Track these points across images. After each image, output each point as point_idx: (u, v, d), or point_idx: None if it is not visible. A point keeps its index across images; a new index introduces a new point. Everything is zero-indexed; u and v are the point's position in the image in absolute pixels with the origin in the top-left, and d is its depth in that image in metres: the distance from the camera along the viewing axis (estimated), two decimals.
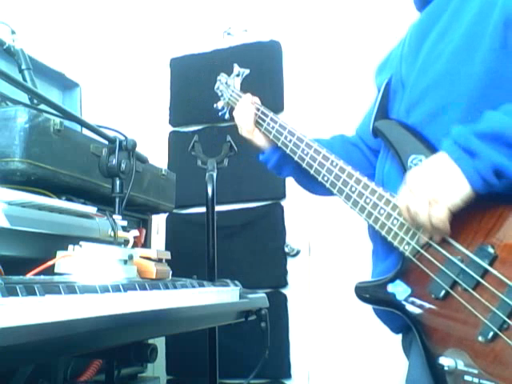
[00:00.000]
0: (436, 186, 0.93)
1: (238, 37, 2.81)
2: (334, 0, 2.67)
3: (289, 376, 2.54)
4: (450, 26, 1.06)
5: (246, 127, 1.40)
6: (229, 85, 1.54)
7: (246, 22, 2.82)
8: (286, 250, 2.61)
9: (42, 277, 0.88)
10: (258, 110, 1.39)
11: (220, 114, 1.59)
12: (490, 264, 0.91)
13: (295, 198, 2.60)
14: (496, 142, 0.89)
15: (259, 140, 1.40)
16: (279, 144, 1.31)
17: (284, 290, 2.59)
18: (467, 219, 0.94)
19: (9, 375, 1.16)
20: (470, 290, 0.93)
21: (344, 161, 1.18)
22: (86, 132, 1.39)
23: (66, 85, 2.10)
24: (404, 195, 0.99)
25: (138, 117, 2.87)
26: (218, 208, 1.89)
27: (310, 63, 2.69)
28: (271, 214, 2.66)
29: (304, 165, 1.24)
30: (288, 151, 1.29)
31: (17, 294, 0.70)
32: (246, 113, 1.41)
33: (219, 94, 1.57)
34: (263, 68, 2.69)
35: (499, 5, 0.98)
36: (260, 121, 1.38)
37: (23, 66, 1.59)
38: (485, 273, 0.91)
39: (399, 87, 1.16)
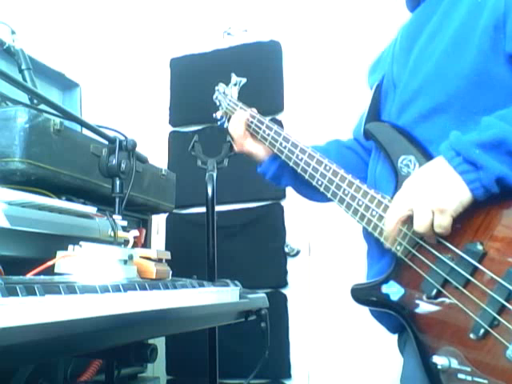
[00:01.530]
0: (439, 195, 0.93)
1: (238, 37, 2.81)
2: (334, 0, 2.67)
3: (289, 376, 2.54)
4: (440, 28, 1.07)
5: (239, 141, 1.42)
6: (226, 94, 1.55)
7: (245, 22, 2.82)
8: (286, 250, 2.61)
9: (42, 277, 0.88)
10: (254, 117, 1.41)
11: (219, 123, 1.61)
12: (479, 261, 0.91)
13: (295, 198, 2.58)
14: (497, 151, 0.89)
15: (255, 149, 1.41)
16: (275, 150, 1.33)
17: (284, 290, 2.60)
18: (457, 218, 0.94)
19: (9, 375, 1.16)
20: (461, 287, 0.93)
21: (339, 165, 1.19)
22: (86, 132, 1.39)
23: (66, 85, 2.10)
24: (401, 203, 0.98)
25: (138, 117, 2.87)
26: (217, 208, 1.89)
27: (310, 63, 2.69)
28: (271, 214, 2.66)
29: (299, 170, 1.26)
30: (283, 157, 1.31)
31: (17, 294, 0.70)
32: (237, 126, 1.42)
33: (217, 103, 1.59)
34: (263, 68, 2.70)
35: (488, 7, 0.98)
36: (256, 128, 1.39)
37: (23, 66, 1.59)
38: (474, 270, 0.92)
39: (391, 88, 1.17)
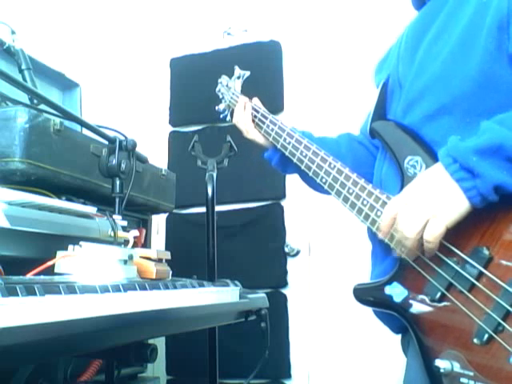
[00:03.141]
0: (434, 203, 0.92)
1: (238, 37, 2.81)
2: (334, 0, 2.67)
3: (289, 376, 2.54)
4: (446, 28, 1.06)
5: (246, 129, 1.41)
6: (229, 87, 1.54)
7: (245, 22, 2.82)
8: (286, 250, 2.61)
9: (42, 277, 0.88)
10: (258, 111, 1.40)
11: (221, 116, 1.60)
12: (485, 266, 0.91)
13: (295, 198, 2.60)
14: (495, 157, 0.88)
15: (259, 139, 1.41)
16: (278, 146, 1.32)
17: (284, 290, 2.59)
18: (462, 221, 0.93)
19: (9, 375, 1.16)
20: (466, 292, 0.92)
21: (349, 158, 1.18)
22: (86, 132, 1.39)
23: (66, 85, 2.10)
24: (396, 205, 0.98)
25: (138, 117, 2.87)
26: (217, 208, 1.89)
27: (310, 63, 2.69)
28: (271, 214, 2.66)
29: (303, 167, 1.25)
30: (287, 153, 1.30)
31: (17, 294, 0.70)
32: (243, 117, 1.42)
33: (220, 96, 1.58)
34: (263, 68, 2.69)
35: (493, 7, 0.98)
36: (260, 123, 1.39)
37: (23, 66, 1.59)
38: (480, 275, 0.91)
39: (396, 87, 1.17)
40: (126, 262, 1.04)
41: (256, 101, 1.45)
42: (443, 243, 0.96)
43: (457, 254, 0.95)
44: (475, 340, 0.90)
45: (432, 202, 0.93)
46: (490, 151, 0.88)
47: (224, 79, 1.58)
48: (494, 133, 0.89)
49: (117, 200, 1.26)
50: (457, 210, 0.91)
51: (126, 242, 1.17)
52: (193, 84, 2.86)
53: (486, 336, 0.89)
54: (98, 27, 2.92)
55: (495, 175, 0.87)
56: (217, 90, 1.59)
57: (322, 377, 2.52)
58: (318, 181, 1.21)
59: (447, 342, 0.95)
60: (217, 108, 1.60)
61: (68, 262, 0.96)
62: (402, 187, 1.04)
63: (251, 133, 1.42)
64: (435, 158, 0.99)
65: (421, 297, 1.00)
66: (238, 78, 1.56)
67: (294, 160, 1.27)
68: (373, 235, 1.12)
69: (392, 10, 2.39)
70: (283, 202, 2.66)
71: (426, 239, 0.93)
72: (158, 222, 2.64)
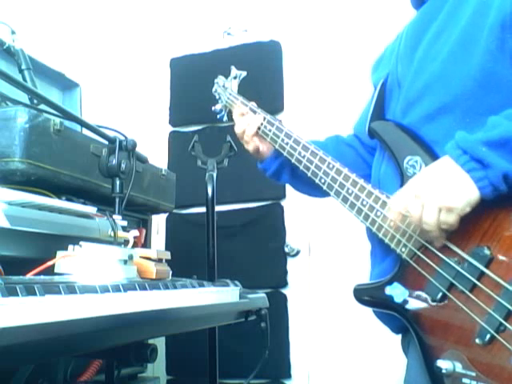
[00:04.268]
0: (446, 193, 0.92)
1: (238, 37, 2.81)
2: (334, 0, 2.67)
3: (289, 376, 2.54)
4: (446, 27, 1.06)
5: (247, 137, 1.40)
6: (226, 87, 1.54)
7: (245, 22, 2.82)
8: (286, 250, 2.61)
9: (42, 277, 0.88)
10: (255, 112, 1.39)
11: (218, 116, 1.59)
12: (486, 266, 0.91)
13: (295, 198, 2.59)
14: (503, 149, 0.89)
15: (258, 148, 1.39)
16: (276, 146, 1.32)
17: (284, 290, 2.59)
18: (463, 221, 0.94)
19: (9, 375, 1.16)
20: (467, 292, 0.92)
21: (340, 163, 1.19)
22: (86, 132, 1.39)
23: (66, 85, 2.10)
24: (404, 198, 0.98)
25: (138, 117, 2.87)
26: (217, 208, 1.89)
27: (310, 63, 2.69)
28: (271, 214, 2.66)
29: (301, 167, 1.24)
30: (285, 154, 1.29)
31: (17, 294, 0.70)
32: (246, 127, 1.40)
33: (217, 96, 1.58)
34: (263, 68, 2.69)
35: (495, 6, 0.98)
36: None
37: (23, 66, 1.59)
38: (481, 275, 0.91)
39: (395, 87, 1.17)
40: (126, 262, 1.04)
41: (253, 103, 1.45)
42: (444, 243, 0.97)
43: (458, 254, 0.95)
44: (477, 340, 0.90)
45: (443, 191, 0.93)
46: (499, 144, 0.89)
47: (220, 79, 1.58)
48: (502, 126, 0.90)
49: (117, 200, 1.26)
50: (468, 199, 0.91)
51: (126, 242, 1.17)
52: (193, 84, 2.85)
53: (488, 336, 0.89)
54: (98, 27, 2.92)
55: (504, 164, 0.89)
56: (213, 90, 1.59)
57: (321, 377, 2.52)
58: (317, 181, 1.20)
59: (449, 342, 0.95)
60: (213, 108, 1.59)
61: (68, 262, 0.96)
62: (401, 187, 1.03)
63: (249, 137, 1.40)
64: (435, 158, 0.99)
65: (422, 297, 1.00)
66: (235, 78, 1.55)
67: (293, 160, 1.27)
68: (372, 235, 1.12)
69: (391, 9, 2.39)
70: (283, 202, 2.66)
71: (442, 230, 0.94)
72: (158, 222, 2.64)
